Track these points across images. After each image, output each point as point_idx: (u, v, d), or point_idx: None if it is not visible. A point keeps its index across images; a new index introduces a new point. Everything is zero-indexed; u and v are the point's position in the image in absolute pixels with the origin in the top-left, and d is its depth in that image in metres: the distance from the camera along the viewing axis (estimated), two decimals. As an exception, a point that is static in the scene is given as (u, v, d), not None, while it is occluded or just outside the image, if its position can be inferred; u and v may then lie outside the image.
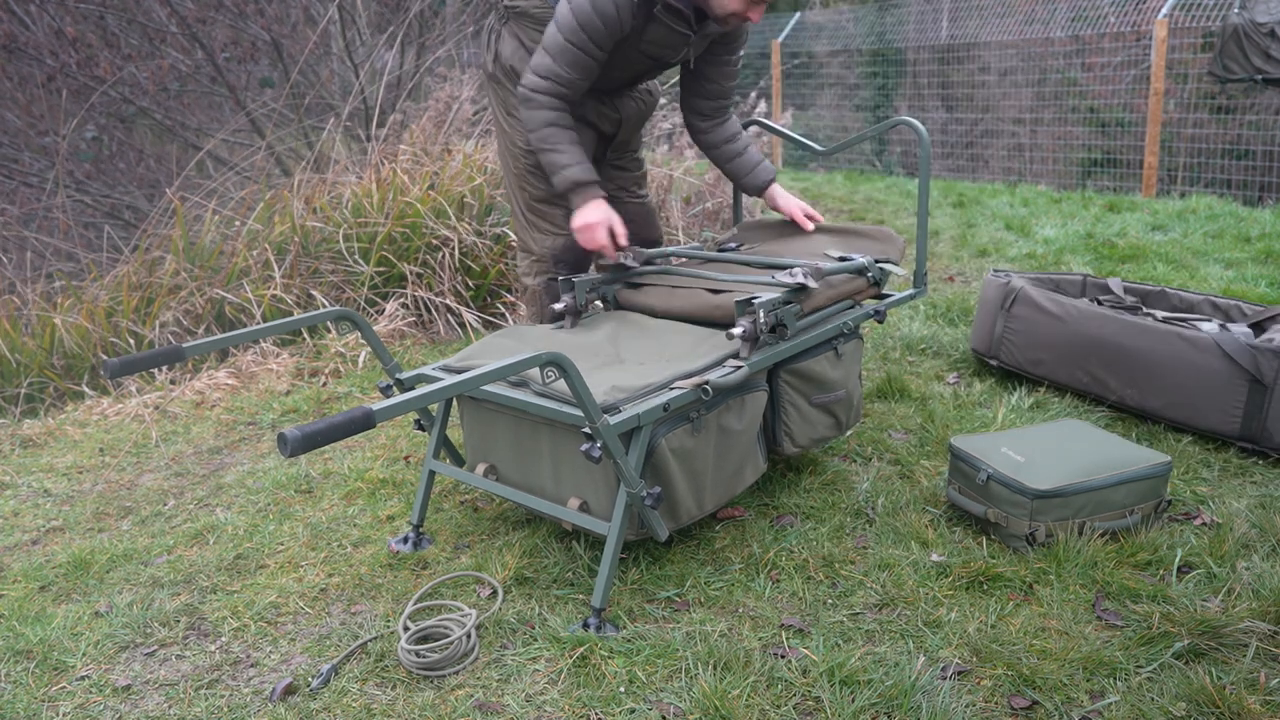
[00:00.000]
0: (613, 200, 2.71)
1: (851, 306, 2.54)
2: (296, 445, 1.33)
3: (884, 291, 2.65)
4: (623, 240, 2.47)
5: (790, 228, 2.84)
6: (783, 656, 1.81)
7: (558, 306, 2.49)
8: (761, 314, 2.13)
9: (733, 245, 2.81)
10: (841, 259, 2.51)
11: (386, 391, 2.25)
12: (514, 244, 4.40)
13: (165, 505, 2.69)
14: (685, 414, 2.02)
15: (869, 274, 2.50)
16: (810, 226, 2.78)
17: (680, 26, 2.39)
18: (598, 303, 2.66)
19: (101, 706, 1.79)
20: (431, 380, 2.21)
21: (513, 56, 2.56)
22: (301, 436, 1.34)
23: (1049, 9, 8.63)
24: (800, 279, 2.23)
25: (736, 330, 2.12)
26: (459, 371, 2.17)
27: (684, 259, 2.74)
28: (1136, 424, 2.83)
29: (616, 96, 2.66)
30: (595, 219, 2.42)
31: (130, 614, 2.09)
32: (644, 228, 2.90)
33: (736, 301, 2.15)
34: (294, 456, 1.37)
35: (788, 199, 2.84)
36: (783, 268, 2.40)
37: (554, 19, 2.35)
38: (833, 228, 2.82)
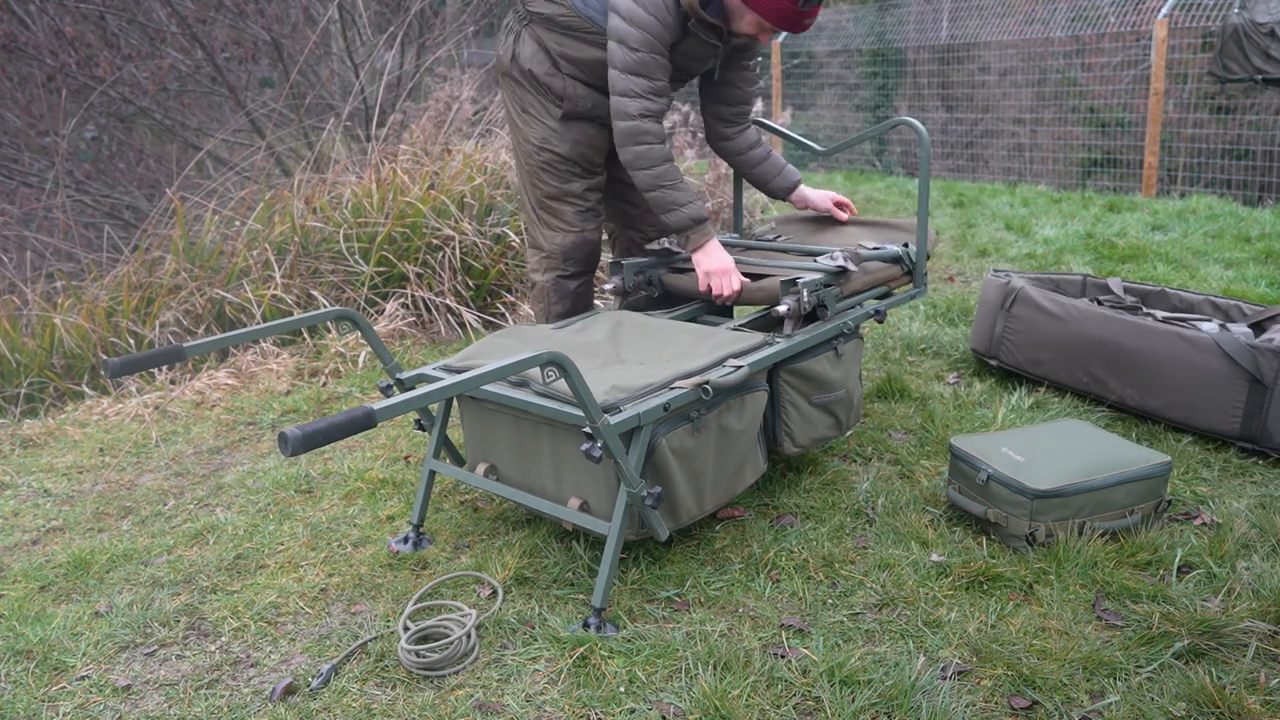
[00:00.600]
0: (633, 189, 2.83)
1: (886, 294, 2.70)
2: (297, 445, 1.33)
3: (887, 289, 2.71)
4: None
5: (825, 221, 3.02)
6: (783, 656, 1.81)
7: (607, 288, 2.63)
8: (805, 293, 2.30)
9: (770, 237, 2.98)
10: (876, 249, 2.67)
11: (387, 391, 2.25)
12: (515, 243, 4.40)
13: (165, 505, 2.69)
14: (685, 414, 2.02)
15: (903, 262, 2.66)
16: (844, 216, 2.95)
17: (711, 39, 2.45)
18: (601, 305, 2.71)
19: (101, 706, 1.79)
20: (432, 380, 2.21)
21: (532, 60, 2.57)
22: (302, 436, 1.34)
23: (1049, 9, 8.63)
24: (841, 262, 2.42)
25: (781, 308, 2.28)
26: (459, 371, 2.17)
27: (726, 246, 2.87)
28: (1136, 424, 2.83)
29: None
30: (726, 263, 2.48)
31: (130, 614, 2.09)
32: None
33: (781, 281, 2.32)
34: (295, 456, 1.37)
35: (817, 194, 2.96)
36: (822, 254, 2.59)
37: (615, 41, 2.37)
38: (866, 220, 3.04)
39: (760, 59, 2.89)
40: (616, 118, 2.42)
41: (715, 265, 2.47)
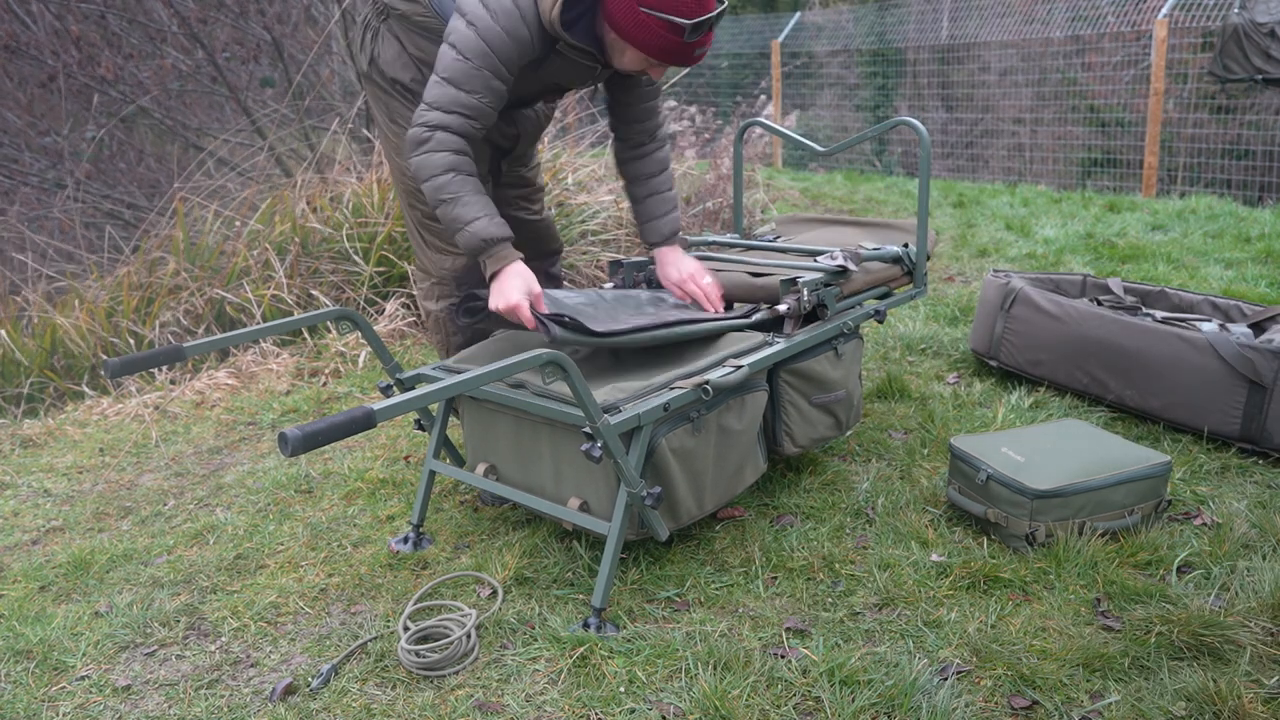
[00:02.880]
0: (509, 219, 2.38)
1: (886, 294, 2.68)
2: (297, 445, 1.33)
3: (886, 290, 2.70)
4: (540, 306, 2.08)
5: (825, 221, 3.03)
6: (783, 656, 1.81)
7: (608, 286, 2.55)
8: (805, 292, 2.29)
9: (770, 237, 2.98)
10: (876, 249, 2.67)
11: (387, 391, 2.25)
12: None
13: (165, 505, 2.69)
14: (685, 414, 2.02)
15: (903, 262, 2.65)
16: (709, 306, 2.39)
17: (585, 60, 2.16)
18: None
19: (101, 706, 1.79)
20: (432, 380, 2.21)
21: (394, 64, 2.32)
22: (302, 436, 1.34)
23: (1049, 9, 8.63)
24: (841, 262, 2.41)
25: (781, 307, 2.27)
26: (459, 372, 2.18)
27: (726, 246, 2.88)
28: (1136, 424, 2.83)
29: (513, 112, 2.42)
30: (518, 298, 2.01)
31: (130, 614, 2.09)
32: (545, 241, 2.71)
33: (781, 280, 2.31)
34: (295, 456, 1.37)
35: (678, 266, 2.44)
36: (822, 253, 2.59)
37: (448, 44, 2.06)
38: (866, 221, 3.01)
39: (658, 84, 2.50)
40: (413, 125, 2.09)
41: (503, 302, 2.02)
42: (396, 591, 2.12)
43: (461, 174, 2.07)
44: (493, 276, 2.08)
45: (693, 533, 2.30)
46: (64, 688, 1.85)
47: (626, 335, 2.06)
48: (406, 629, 1.92)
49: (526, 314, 2.01)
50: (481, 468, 2.24)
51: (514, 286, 2.03)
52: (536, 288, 2.07)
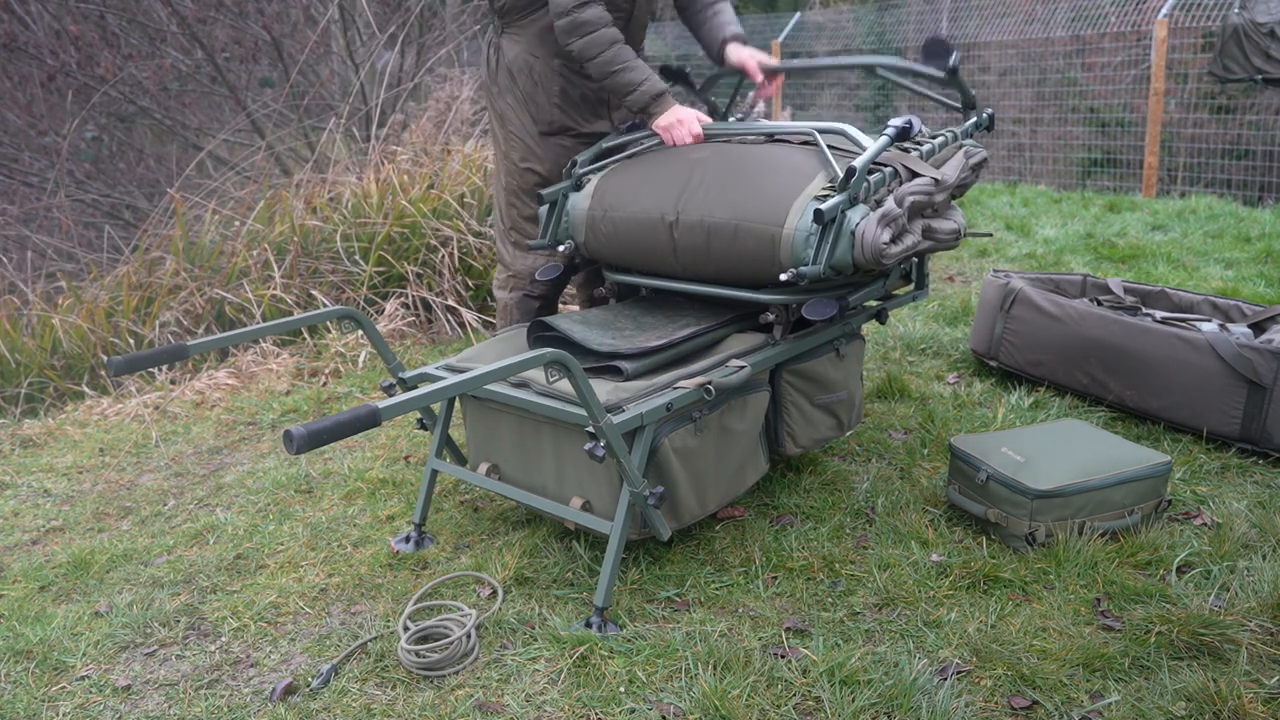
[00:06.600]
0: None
1: (887, 295, 2.66)
2: (302, 443, 1.33)
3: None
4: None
5: None
6: (783, 656, 1.82)
7: (601, 291, 2.61)
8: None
9: None
10: None
11: (389, 390, 2.25)
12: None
13: (165, 505, 2.69)
14: (688, 414, 2.02)
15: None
16: (758, 77, 2.66)
17: None
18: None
19: (101, 706, 1.79)
20: (434, 379, 2.21)
21: (515, 59, 2.57)
22: (307, 434, 1.34)
23: (1049, 9, 8.64)
24: None
25: (770, 315, 2.25)
26: (462, 371, 2.18)
27: None
28: (1136, 424, 2.83)
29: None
30: (686, 114, 2.44)
31: (130, 614, 2.09)
32: None
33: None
34: (299, 454, 1.37)
35: (740, 52, 2.69)
36: None
37: None
38: None
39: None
40: (555, 16, 2.36)
41: (674, 119, 2.42)
42: (396, 591, 2.12)
43: (621, 43, 2.38)
44: (659, 117, 2.45)
45: (693, 533, 2.30)
46: (64, 688, 1.85)
47: (665, 351, 2.14)
48: (406, 629, 1.92)
49: (695, 126, 2.43)
50: (484, 467, 2.24)
51: (687, 114, 2.45)
52: (701, 118, 2.47)
